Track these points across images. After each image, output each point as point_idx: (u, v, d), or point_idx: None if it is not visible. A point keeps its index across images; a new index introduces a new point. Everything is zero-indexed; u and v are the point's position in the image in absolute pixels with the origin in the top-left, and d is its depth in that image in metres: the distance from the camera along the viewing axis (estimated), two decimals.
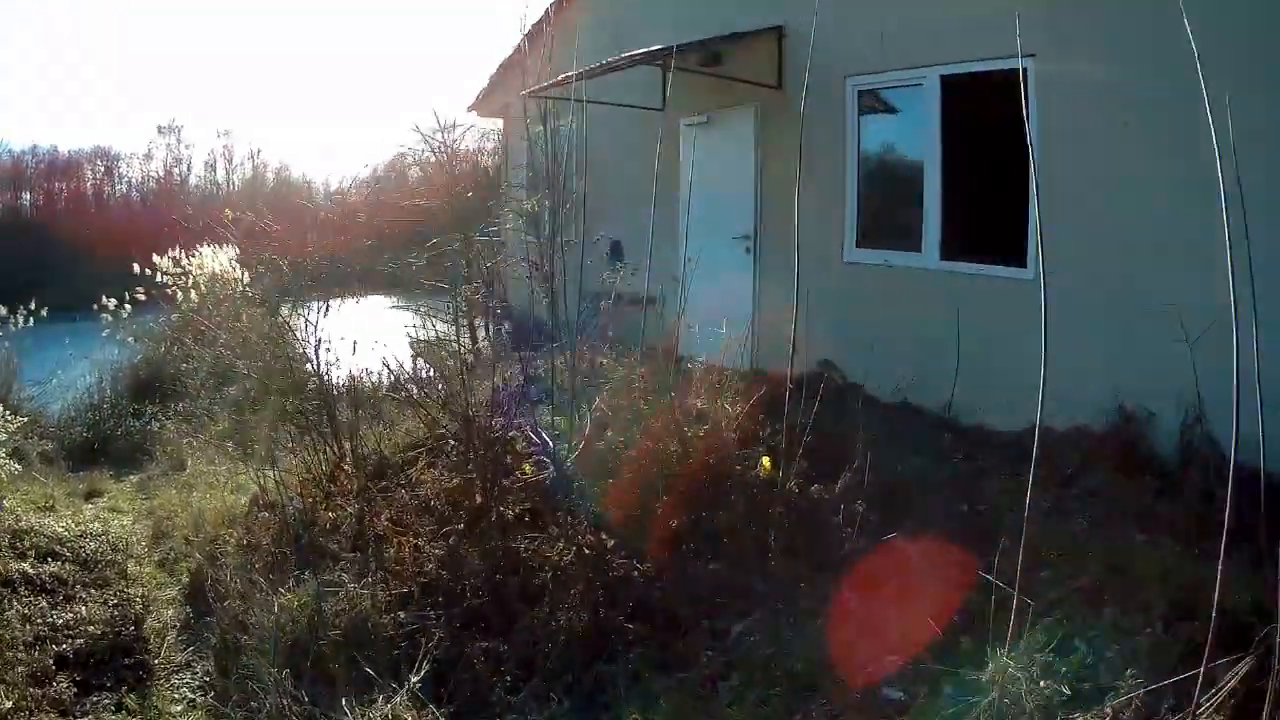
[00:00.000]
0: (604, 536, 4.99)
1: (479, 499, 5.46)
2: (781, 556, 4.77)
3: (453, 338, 8.32)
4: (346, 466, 6.48)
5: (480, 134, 17.69)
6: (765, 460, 5.48)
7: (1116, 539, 4.73)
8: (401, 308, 13.06)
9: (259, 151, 38.44)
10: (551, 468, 5.57)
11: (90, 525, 7.63)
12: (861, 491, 5.13)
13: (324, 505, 6.26)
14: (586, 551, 4.82)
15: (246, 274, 13.85)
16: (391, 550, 5.12)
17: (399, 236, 11.56)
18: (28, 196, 34.38)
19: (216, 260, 15.31)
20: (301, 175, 37.04)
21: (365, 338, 7.60)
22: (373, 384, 8.48)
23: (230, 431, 10.23)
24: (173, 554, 7.11)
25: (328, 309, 7.63)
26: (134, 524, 8.14)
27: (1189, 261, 5.29)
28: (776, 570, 4.71)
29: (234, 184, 35.97)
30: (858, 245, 8.71)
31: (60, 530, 7.15)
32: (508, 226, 11.57)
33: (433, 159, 7.77)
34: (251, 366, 12.74)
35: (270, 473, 6.47)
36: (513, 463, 5.77)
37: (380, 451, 6.77)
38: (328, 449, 6.80)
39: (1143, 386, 6.07)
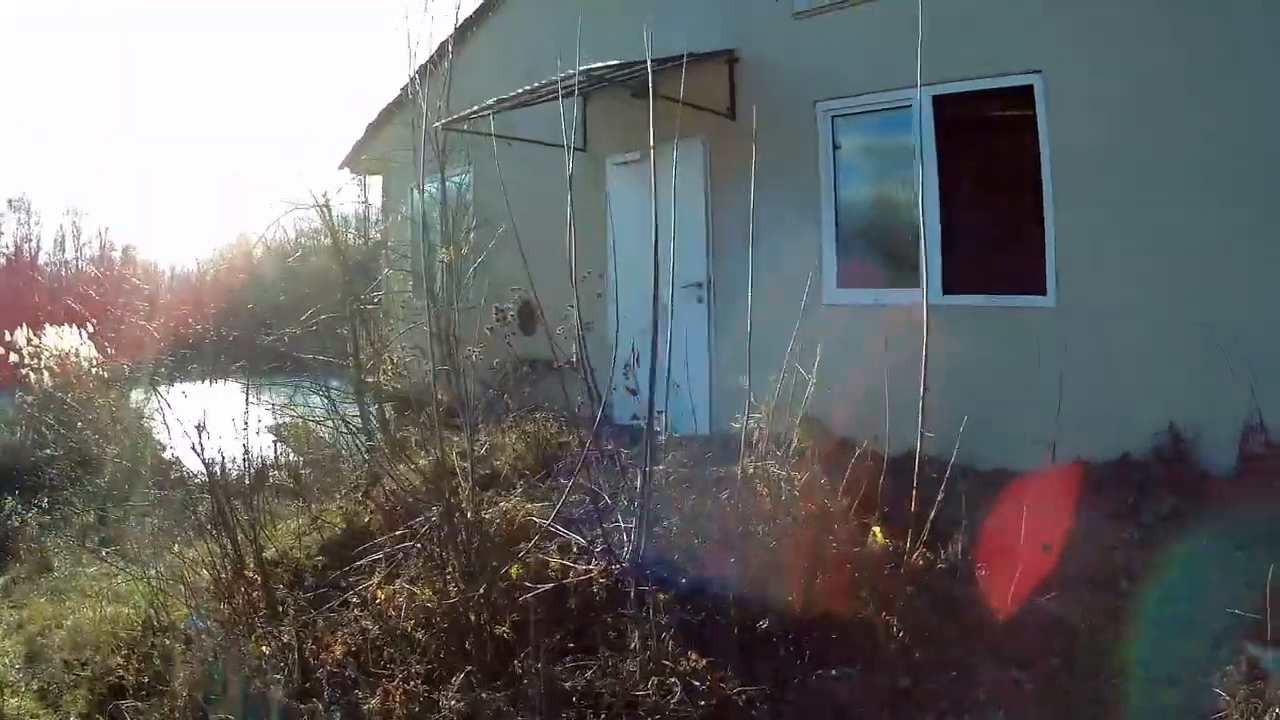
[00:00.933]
0: (693, 656, 3.78)
1: (476, 617, 4.14)
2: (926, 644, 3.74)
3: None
4: (249, 573, 5.10)
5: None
6: (876, 530, 4.44)
7: None
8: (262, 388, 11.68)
9: (106, 230, 35.82)
10: (597, 561, 4.30)
11: None
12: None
13: (245, 630, 4.84)
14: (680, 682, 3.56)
15: (96, 354, 13.53)
16: (374, 702, 3.74)
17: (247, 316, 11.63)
18: None
19: (65, 340, 14.16)
20: (148, 257, 34.58)
21: (221, 422, 6.45)
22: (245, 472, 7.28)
23: (94, 526, 9.25)
24: (54, 684, 5.83)
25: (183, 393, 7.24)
26: (2, 640, 6.96)
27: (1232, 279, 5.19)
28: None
29: (81, 263, 33.08)
30: (839, 286, 7.86)
31: None
32: (395, 289, 10.36)
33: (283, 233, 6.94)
34: (113, 453, 11.41)
35: (156, 582, 5.64)
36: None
37: (291, 554, 5.44)
38: (221, 550, 5.37)
39: (1190, 409, 5.83)
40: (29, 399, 13.07)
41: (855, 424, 6.82)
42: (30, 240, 33.75)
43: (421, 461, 6.00)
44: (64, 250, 34.49)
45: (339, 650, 4.36)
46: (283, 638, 4.66)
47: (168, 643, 5.47)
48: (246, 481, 6.92)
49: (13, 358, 13.49)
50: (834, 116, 7.94)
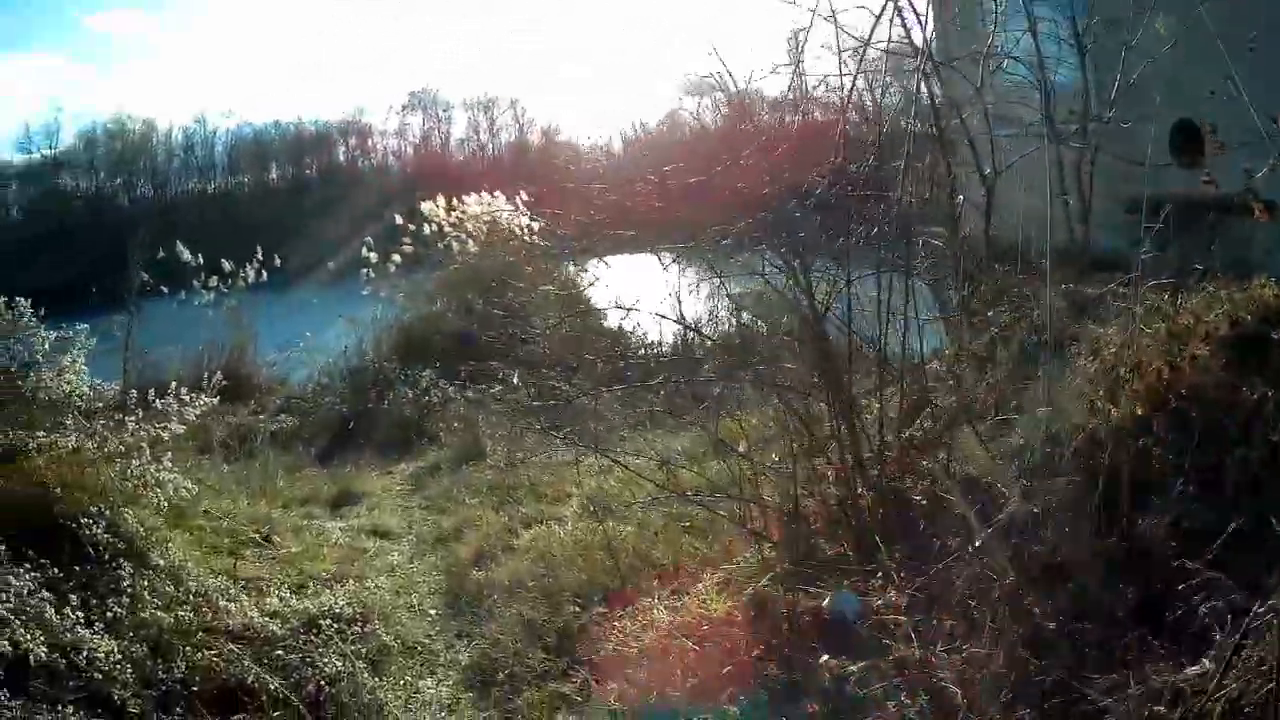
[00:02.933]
0: None
1: None
2: None
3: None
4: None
5: None
6: None
7: None
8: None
9: (524, 113, 35.79)
10: None
11: (330, 599, 3.92)
12: None
13: None
14: None
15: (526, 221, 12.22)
16: None
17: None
18: (274, 171, 34.13)
19: (492, 207, 13.02)
20: (570, 138, 33.91)
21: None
22: None
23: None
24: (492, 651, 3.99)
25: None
26: (411, 561, 5.30)
27: None
28: None
29: (497, 148, 33.77)
30: None
31: (267, 621, 3.48)
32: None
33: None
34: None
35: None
36: None
37: None
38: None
39: None
40: (450, 269, 12.09)
41: None
42: (441, 125, 34.97)
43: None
44: (478, 135, 35.53)
45: None
46: None
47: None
48: None
49: (426, 229, 12.54)
50: None
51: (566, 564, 4.51)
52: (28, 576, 3.16)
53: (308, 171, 34.31)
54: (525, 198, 13.14)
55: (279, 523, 5.25)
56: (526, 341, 9.41)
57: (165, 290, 9.91)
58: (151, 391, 4.66)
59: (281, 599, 3.83)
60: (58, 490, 3.53)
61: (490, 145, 34.67)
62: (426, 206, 12.75)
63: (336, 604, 3.93)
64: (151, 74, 50.24)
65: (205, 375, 6.23)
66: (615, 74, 54.04)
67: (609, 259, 7.61)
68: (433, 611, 4.53)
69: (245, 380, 9.27)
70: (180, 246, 10.00)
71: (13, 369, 4.33)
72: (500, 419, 7.17)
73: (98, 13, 48.67)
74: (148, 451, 4.01)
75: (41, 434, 3.70)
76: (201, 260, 10.14)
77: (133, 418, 4.23)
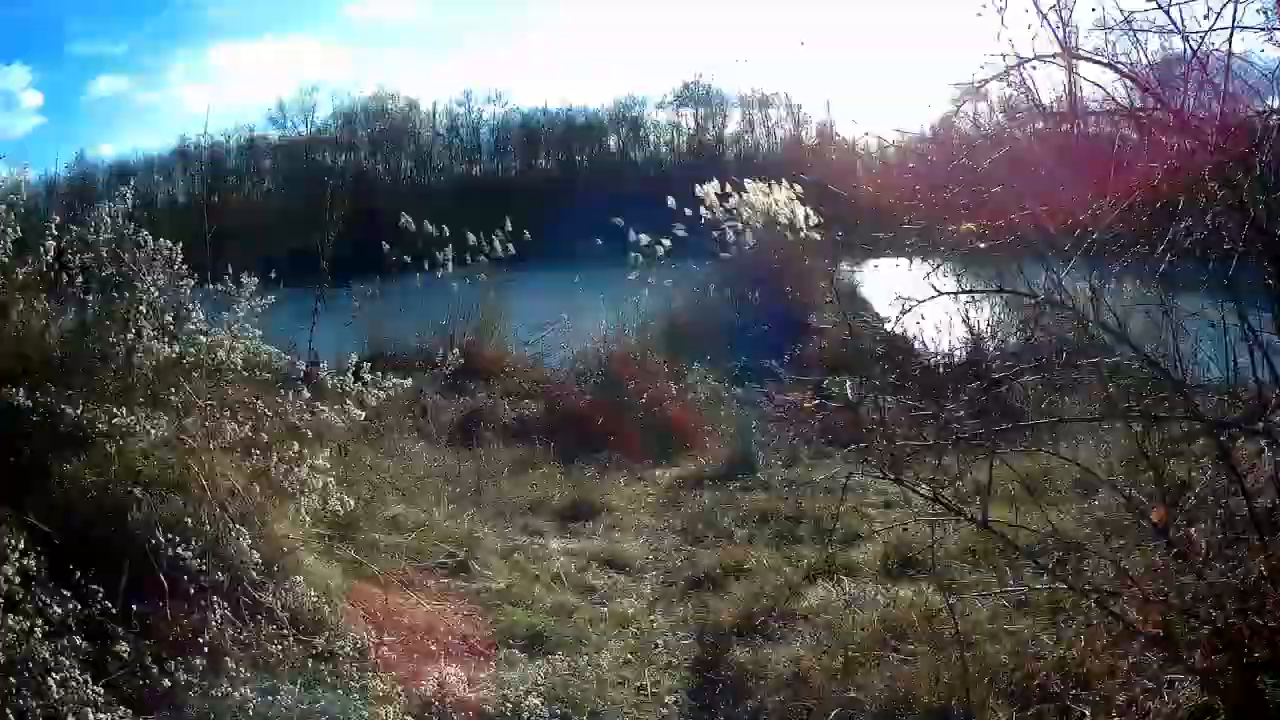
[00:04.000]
0: None
1: None
2: None
3: None
4: None
5: None
6: None
7: None
8: None
9: (799, 107, 34.07)
10: None
11: (519, 679, 2.55)
12: None
13: None
14: None
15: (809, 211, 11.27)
16: None
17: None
18: (543, 156, 34.31)
19: (771, 197, 11.92)
20: (848, 133, 31.70)
21: None
22: None
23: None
24: None
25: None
26: (652, 613, 3.95)
27: None
28: None
29: (772, 144, 32.21)
30: None
31: None
32: None
33: None
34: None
35: None
36: None
37: None
38: None
39: None
40: (724, 256, 11.27)
41: None
42: (713, 116, 33.90)
43: None
44: (752, 130, 34.18)
45: None
46: None
47: None
48: None
49: (704, 213, 11.51)
50: None
51: (872, 658, 2.91)
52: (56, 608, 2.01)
53: (577, 159, 34.26)
54: (800, 190, 11.83)
55: (485, 542, 3.99)
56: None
57: (425, 266, 9.53)
58: (324, 365, 3.52)
59: (441, 682, 2.47)
60: (135, 490, 2.40)
61: (765, 142, 33.16)
62: (701, 190, 11.61)
63: (523, 692, 2.51)
64: (412, 60, 52.08)
65: (441, 351, 5.61)
66: (884, 72, 50.75)
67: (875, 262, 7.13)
68: (671, 701, 3.05)
69: (491, 360, 8.47)
70: (428, 225, 9.50)
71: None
72: (774, 428, 5.95)
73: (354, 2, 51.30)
74: (295, 446, 2.82)
75: (121, 412, 2.58)
76: (452, 237, 9.63)
77: (296, 397, 3.09)
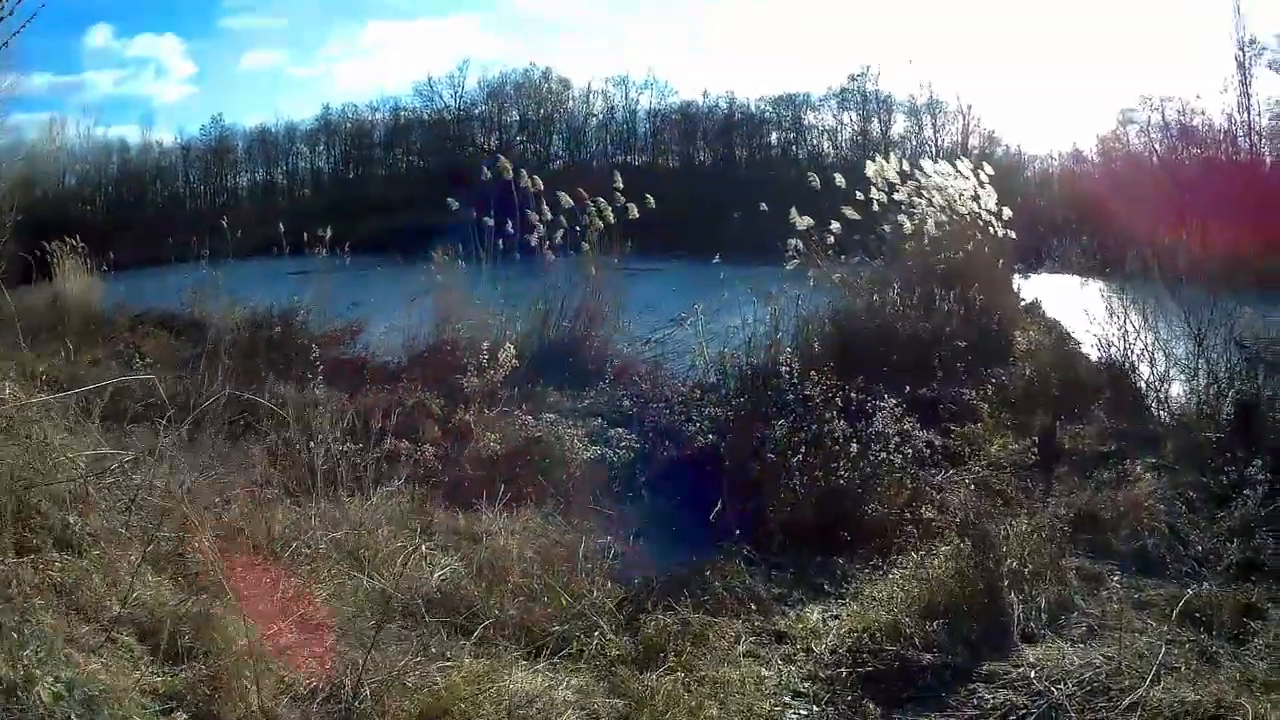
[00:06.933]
0: None
1: None
2: None
3: None
4: None
5: None
6: None
7: None
8: None
9: (969, 109, 31.41)
10: None
11: None
12: None
13: None
14: None
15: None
16: None
17: None
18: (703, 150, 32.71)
19: (959, 181, 10.19)
20: (1014, 146, 29.28)
21: None
22: None
23: None
24: None
25: None
26: None
27: None
28: None
29: (940, 147, 29.72)
30: None
31: None
32: None
33: None
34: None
35: None
36: None
37: None
38: None
39: None
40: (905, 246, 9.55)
41: None
42: (878, 113, 31.64)
43: None
44: (920, 130, 31.67)
45: None
46: None
47: None
48: None
49: (898, 195, 9.87)
50: None
51: None
52: None
53: (738, 152, 32.60)
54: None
55: None
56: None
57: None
58: None
59: None
60: None
61: (931, 146, 30.59)
62: (872, 170, 9.85)
63: None
64: (572, 46, 51.57)
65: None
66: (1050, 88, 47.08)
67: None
68: None
69: (591, 358, 7.08)
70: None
71: None
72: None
73: None
74: None
75: None
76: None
77: None
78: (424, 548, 3.55)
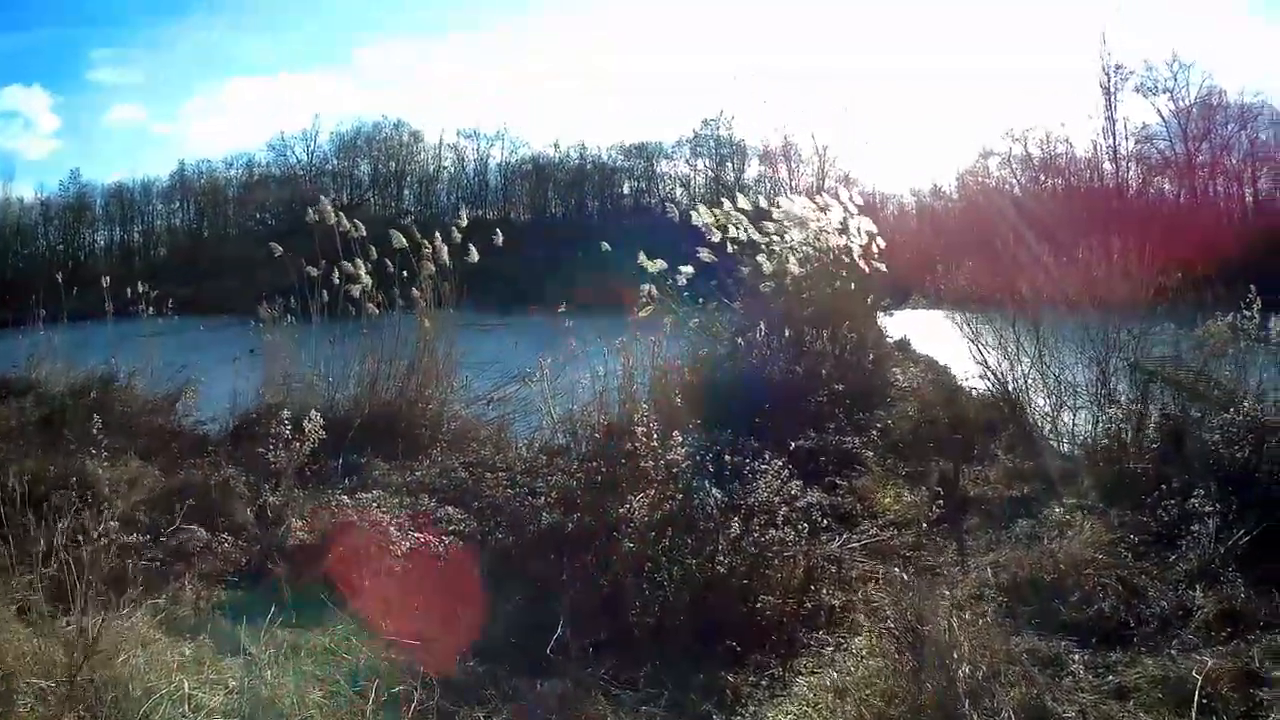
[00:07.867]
0: None
1: None
2: None
3: None
4: None
5: None
6: None
7: None
8: None
9: (824, 150, 32.49)
10: None
11: None
12: None
13: None
14: None
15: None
16: None
17: None
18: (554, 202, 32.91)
19: (824, 216, 9.77)
20: (867, 188, 30.59)
21: None
22: None
23: None
24: None
25: None
26: None
27: None
28: None
29: (795, 191, 30.41)
30: None
31: None
32: None
33: None
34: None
35: None
36: None
37: None
38: None
39: None
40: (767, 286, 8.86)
41: None
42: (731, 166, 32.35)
43: None
44: (775, 173, 32.45)
45: None
46: None
47: None
48: None
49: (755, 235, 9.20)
50: None
51: None
52: None
53: (589, 201, 32.53)
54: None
55: None
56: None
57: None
58: None
59: None
60: None
61: (786, 188, 31.26)
62: (719, 212, 9.29)
63: None
64: (422, 100, 52.19)
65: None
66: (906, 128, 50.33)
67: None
68: None
69: (426, 423, 6.18)
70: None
71: None
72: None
73: (367, 46, 51.39)
74: None
75: None
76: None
77: None
78: (187, 685, 2.65)
